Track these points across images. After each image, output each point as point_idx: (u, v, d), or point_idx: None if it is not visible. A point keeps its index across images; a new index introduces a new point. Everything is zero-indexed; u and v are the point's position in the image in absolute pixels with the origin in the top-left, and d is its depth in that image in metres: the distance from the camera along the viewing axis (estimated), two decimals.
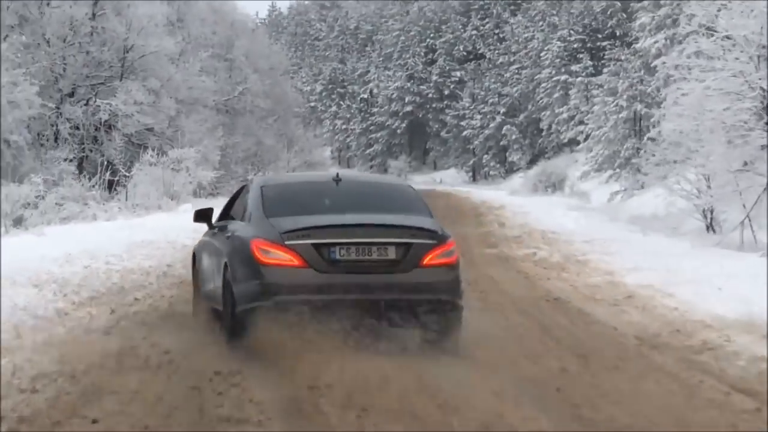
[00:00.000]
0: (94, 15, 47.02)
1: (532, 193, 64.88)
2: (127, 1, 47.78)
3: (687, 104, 28.30)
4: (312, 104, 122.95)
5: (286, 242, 10.68)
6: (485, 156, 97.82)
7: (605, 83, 67.33)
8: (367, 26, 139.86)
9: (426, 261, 10.76)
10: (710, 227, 29.57)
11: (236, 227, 11.97)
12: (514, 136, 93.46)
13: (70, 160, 41.70)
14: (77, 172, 40.26)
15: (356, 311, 10.42)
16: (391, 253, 10.73)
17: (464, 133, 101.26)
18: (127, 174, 37.70)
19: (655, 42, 31.13)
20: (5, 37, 42.64)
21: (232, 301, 11.09)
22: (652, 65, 59.75)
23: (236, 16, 66.21)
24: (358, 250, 10.72)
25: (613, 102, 59.58)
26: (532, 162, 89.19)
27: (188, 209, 30.91)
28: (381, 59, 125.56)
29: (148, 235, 22.96)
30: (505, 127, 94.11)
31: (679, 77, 31.94)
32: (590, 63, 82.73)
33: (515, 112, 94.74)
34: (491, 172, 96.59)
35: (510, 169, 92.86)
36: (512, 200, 56.27)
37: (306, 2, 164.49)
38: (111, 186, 37.26)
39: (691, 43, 32.73)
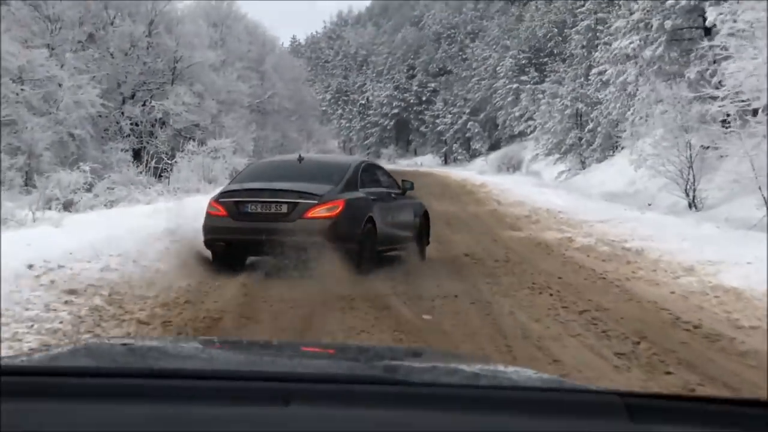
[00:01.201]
0: (150, 32, 40.99)
1: (497, 173, 59.10)
2: (176, 20, 41.90)
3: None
4: (323, 108, 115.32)
5: (219, 200, 11.41)
6: (454, 145, 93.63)
7: (548, 89, 63.26)
8: (363, 51, 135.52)
9: (308, 215, 10.89)
10: (693, 204, 22.74)
11: None
12: (476, 130, 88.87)
13: (126, 150, 35.55)
14: (132, 160, 33.92)
15: (259, 246, 10.88)
16: (284, 209, 10.99)
17: (438, 128, 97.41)
18: (170, 162, 31.09)
19: (630, 43, 24.04)
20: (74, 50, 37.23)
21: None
22: (591, 73, 54.92)
23: (266, 37, 59.60)
24: (262, 206, 11.06)
25: (560, 102, 54.86)
26: (490, 149, 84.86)
27: None
28: (374, 75, 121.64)
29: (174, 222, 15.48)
30: (469, 123, 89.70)
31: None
32: (536, 74, 77.82)
33: (477, 112, 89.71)
34: (459, 157, 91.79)
35: (473, 155, 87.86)
36: (485, 179, 50.14)
37: (318, 35, 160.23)
38: (157, 173, 30.78)
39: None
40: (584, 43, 65.30)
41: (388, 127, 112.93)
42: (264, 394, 1.71)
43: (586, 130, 51.47)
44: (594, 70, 53.05)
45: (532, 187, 36.04)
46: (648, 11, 25.54)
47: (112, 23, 40.96)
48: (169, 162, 30.71)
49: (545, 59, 79.42)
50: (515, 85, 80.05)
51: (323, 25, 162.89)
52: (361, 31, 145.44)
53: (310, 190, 11.11)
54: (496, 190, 32.78)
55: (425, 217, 13.68)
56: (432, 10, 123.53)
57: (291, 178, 11.56)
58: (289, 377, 1.89)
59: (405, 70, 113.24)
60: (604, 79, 49.04)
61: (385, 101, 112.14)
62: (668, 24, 24.51)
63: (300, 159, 12.34)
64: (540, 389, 1.87)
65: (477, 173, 58.59)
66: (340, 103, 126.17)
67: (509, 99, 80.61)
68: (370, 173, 12.49)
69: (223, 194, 11.51)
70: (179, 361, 2.14)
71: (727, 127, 25.01)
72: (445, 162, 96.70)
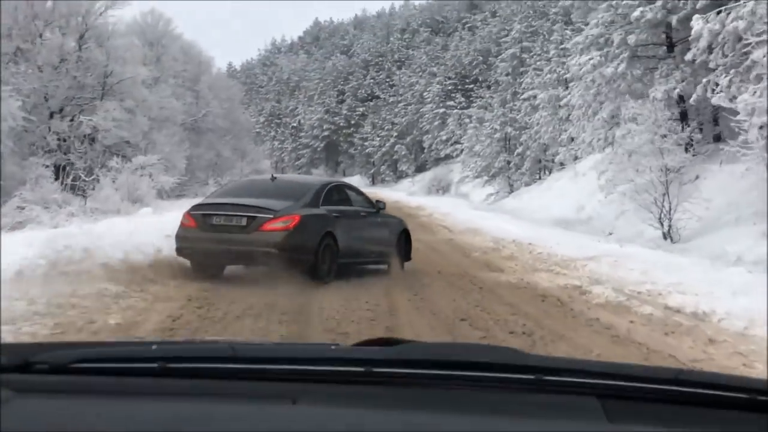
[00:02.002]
0: (80, 46, 36.17)
1: (427, 194, 57.63)
2: (107, 34, 36.90)
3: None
4: (257, 130, 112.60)
5: (191, 212, 11.40)
6: (382, 166, 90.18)
7: (475, 114, 61.48)
8: (296, 77, 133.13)
9: (264, 227, 10.89)
10: (668, 235, 18.86)
11: None
12: (403, 152, 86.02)
13: (48, 167, 30.23)
14: (54, 177, 28.89)
15: (221, 255, 11.05)
16: (243, 222, 10.98)
17: (367, 150, 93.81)
18: (87, 179, 26.14)
19: (590, 59, 20.05)
20: (7, 62, 32.38)
21: None
22: (522, 97, 52.12)
23: (202, 57, 54.76)
24: (225, 218, 11.06)
25: (489, 126, 51.56)
26: (417, 171, 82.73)
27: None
28: (306, 99, 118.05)
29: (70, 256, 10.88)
30: (396, 146, 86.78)
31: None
32: (462, 100, 75.79)
33: (404, 135, 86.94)
34: (386, 178, 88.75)
35: (400, 176, 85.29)
36: (419, 200, 47.00)
37: (252, 61, 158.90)
38: (78, 190, 25.77)
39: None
40: (509, 70, 63.29)
41: (319, 149, 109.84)
42: (272, 392, 1.74)
43: (515, 153, 48.43)
44: (525, 94, 50.41)
45: (472, 210, 32.65)
46: (608, 25, 21.59)
47: (41, 35, 35.97)
48: (86, 179, 25.68)
49: (471, 86, 77.60)
50: (442, 110, 77.65)
51: (258, 52, 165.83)
52: (294, 58, 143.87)
53: (268, 206, 11.20)
54: (437, 213, 28.84)
55: (404, 233, 13.72)
56: (361, 40, 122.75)
57: (258, 195, 11.67)
58: (297, 377, 1.86)
59: (335, 95, 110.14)
60: (534, 104, 47.20)
61: (315, 124, 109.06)
62: (631, 39, 20.64)
63: (273, 178, 12.49)
64: (518, 389, 1.80)
65: (407, 194, 55.42)
66: (273, 125, 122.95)
67: (436, 123, 78.07)
68: (338, 192, 12.42)
69: (194, 207, 11.67)
70: (188, 360, 1.97)
71: (693, 153, 21.39)
72: (373, 182, 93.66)
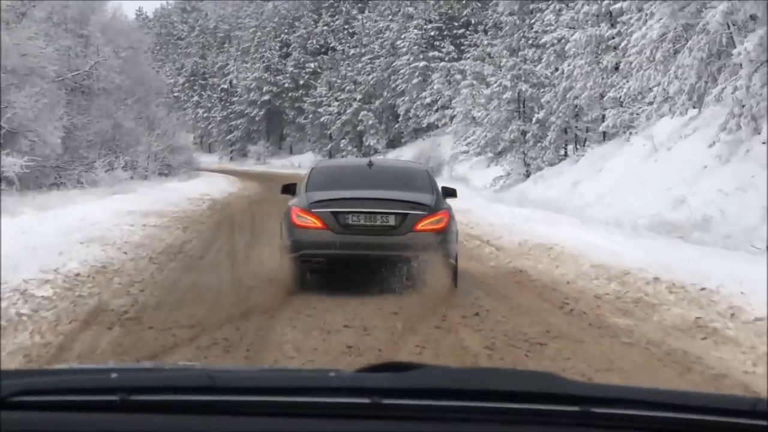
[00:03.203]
0: None
1: None
2: None
3: None
4: (176, 94, 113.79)
5: (313, 210, 11.74)
6: (342, 141, 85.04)
7: (470, 67, 57.51)
8: (225, 26, 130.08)
9: (418, 227, 11.46)
10: None
11: (293, 198, 12.97)
12: (370, 122, 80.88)
13: None
14: None
15: (367, 263, 11.49)
16: (391, 221, 11.55)
17: (321, 119, 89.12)
18: None
19: None
20: None
21: (281, 253, 12.40)
22: (542, 41, 47.54)
23: None
24: (366, 217, 11.57)
25: (495, 83, 46.65)
26: (389, 146, 78.65)
27: None
28: (239, 53, 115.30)
29: None
30: (361, 114, 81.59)
31: None
32: (451, 49, 71.30)
33: (371, 98, 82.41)
34: (348, 155, 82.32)
35: (367, 153, 79.03)
36: None
37: (169, 6, 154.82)
38: None
39: None
40: (514, 7, 59.55)
41: (257, 119, 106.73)
42: (259, 430, 1.85)
43: (533, 121, 43.05)
44: (545, 38, 45.52)
45: (496, 205, 27.63)
46: None
47: None
48: None
49: (461, 30, 73.50)
50: (422, 64, 73.54)
51: None
52: (223, 1, 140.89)
53: (419, 200, 11.86)
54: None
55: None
56: None
57: (383, 185, 12.28)
58: (289, 410, 1.94)
59: (277, 48, 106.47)
60: (560, 50, 42.43)
61: (252, 86, 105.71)
62: None
63: (370, 164, 13.26)
64: (559, 423, 1.89)
65: None
66: (196, 87, 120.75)
67: (415, 81, 74.16)
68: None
69: (314, 204, 11.89)
70: (155, 391, 2.05)
71: None
72: None
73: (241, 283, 11.93)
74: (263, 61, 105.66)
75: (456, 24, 74.72)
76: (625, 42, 32.41)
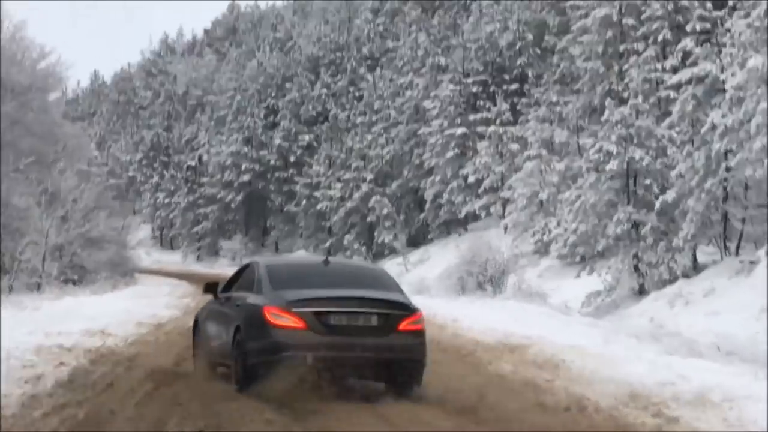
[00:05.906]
0: None
1: (458, 293, 43.36)
2: None
3: None
4: (131, 174, 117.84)
5: (293, 309, 12.78)
6: (347, 236, 78.56)
7: (534, 132, 55.90)
8: (198, 91, 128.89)
9: (400, 327, 12.83)
10: None
11: (247, 297, 14.04)
12: (385, 210, 74.15)
13: None
14: None
15: (351, 366, 12.85)
16: (374, 321, 12.84)
17: (318, 206, 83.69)
18: None
19: None
20: None
21: (243, 357, 13.23)
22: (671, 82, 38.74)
23: None
24: (349, 317, 12.80)
25: (593, 150, 41.91)
26: (412, 243, 72.42)
27: None
28: (212, 123, 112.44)
29: None
30: (372, 199, 75.25)
31: None
32: (505, 108, 64.31)
33: (387, 179, 77.47)
34: (354, 255, 76.45)
35: (380, 253, 73.70)
36: (457, 315, 30.37)
37: (131, 70, 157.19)
38: None
39: None
40: (599, 48, 57.03)
41: (233, 205, 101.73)
42: None
43: (655, 207, 37.06)
44: (672, 79, 43.93)
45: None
46: None
47: None
48: None
49: (513, 84, 68.62)
50: (460, 131, 67.59)
51: (140, 56, 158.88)
52: (196, 61, 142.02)
53: (398, 299, 13.34)
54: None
55: None
56: (305, 30, 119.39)
57: (353, 284, 13.62)
58: None
59: (262, 116, 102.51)
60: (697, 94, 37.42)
61: (228, 162, 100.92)
62: None
63: (326, 262, 14.52)
64: None
65: (417, 293, 38.09)
66: (156, 165, 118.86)
67: (449, 155, 68.44)
68: None
69: (293, 303, 12.74)
70: None
71: None
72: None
73: None
74: (243, 132, 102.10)
75: (506, 75, 69.11)
76: None
